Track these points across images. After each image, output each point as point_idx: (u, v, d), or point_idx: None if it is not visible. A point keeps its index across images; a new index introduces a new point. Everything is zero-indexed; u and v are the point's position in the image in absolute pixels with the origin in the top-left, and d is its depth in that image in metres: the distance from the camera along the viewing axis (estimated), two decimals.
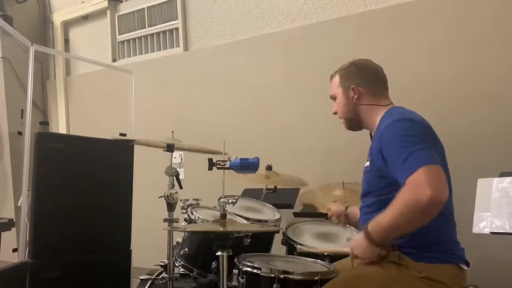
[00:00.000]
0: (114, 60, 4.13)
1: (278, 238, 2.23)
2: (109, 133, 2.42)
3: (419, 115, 1.68)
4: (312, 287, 1.58)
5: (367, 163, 1.74)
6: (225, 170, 1.70)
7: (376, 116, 1.76)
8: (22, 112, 4.00)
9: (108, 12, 4.13)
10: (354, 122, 1.86)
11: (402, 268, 1.56)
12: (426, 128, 1.61)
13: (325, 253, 1.93)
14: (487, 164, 2.31)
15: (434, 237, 1.58)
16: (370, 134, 1.86)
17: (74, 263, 2.30)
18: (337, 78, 1.87)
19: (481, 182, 1.41)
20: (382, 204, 1.57)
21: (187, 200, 2.27)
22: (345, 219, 2.07)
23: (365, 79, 1.80)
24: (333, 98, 1.90)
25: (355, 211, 2.00)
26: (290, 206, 2.65)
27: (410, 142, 1.51)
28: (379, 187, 1.66)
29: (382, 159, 1.60)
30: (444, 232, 1.62)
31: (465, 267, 1.61)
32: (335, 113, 1.90)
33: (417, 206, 1.39)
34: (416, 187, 1.41)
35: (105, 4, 4.09)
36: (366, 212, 1.74)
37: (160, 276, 2.17)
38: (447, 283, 1.54)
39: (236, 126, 3.30)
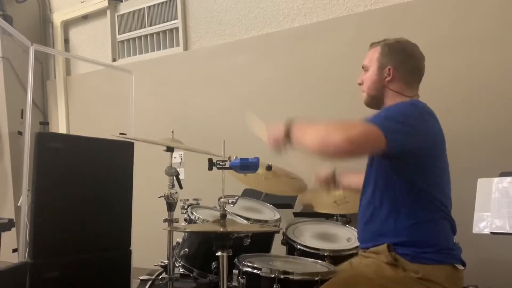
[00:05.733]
0: (114, 60, 4.13)
1: (278, 238, 2.23)
2: (109, 133, 2.41)
3: (427, 110, 1.67)
4: (312, 287, 1.59)
5: None
6: (225, 170, 1.70)
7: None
8: (22, 112, 4.00)
9: (108, 11, 4.13)
10: (376, 101, 1.78)
11: (399, 269, 1.56)
12: (418, 118, 1.59)
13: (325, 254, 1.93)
14: (487, 164, 2.31)
15: (429, 238, 1.58)
16: None
17: (74, 263, 2.30)
18: (377, 51, 1.77)
19: (481, 182, 1.42)
20: (382, 195, 1.61)
21: (187, 200, 2.27)
22: (334, 183, 2.05)
23: (405, 65, 1.73)
24: (365, 69, 1.81)
25: (345, 175, 2.01)
26: (290, 206, 2.65)
27: (395, 115, 1.55)
28: (380, 176, 1.65)
29: None
30: (440, 233, 1.61)
31: (461, 267, 1.60)
32: (360, 84, 1.82)
33: (328, 139, 1.45)
34: (349, 127, 1.46)
35: (105, 3, 4.09)
36: (366, 199, 1.73)
37: (160, 277, 2.17)
38: (443, 284, 1.53)
39: (236, 126, 3.28)
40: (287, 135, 1.59)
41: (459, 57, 2.51)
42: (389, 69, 1.72)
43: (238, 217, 2.18)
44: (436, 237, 1.59)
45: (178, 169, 2.17)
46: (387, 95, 1.74)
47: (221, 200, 1.70)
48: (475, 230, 1.37)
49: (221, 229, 1.60)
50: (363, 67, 1.82)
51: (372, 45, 1.82)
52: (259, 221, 2.22)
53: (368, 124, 1.48)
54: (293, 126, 1.59)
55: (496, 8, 2.42)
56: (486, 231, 1.34)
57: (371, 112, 1.75)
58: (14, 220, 2.85)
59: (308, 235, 2.18)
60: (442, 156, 1.67)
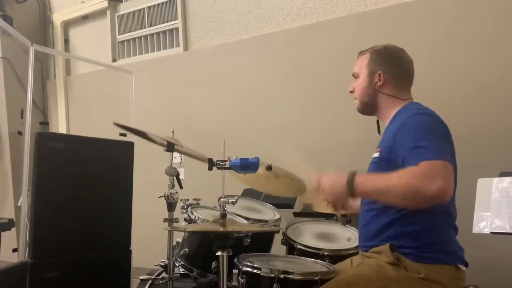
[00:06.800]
0: (114, 60, 4.13)
1: (278, 238, 2.23)
2: (109, 133, 2.42)
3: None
4: (312, 287, 1.59)
5: (376, 154, 1.69)
6: (225, 170, 1.70)
7: (393, 109, 1.72)
8: (22, 112, 3.99)
9: (108, 12, 4.13)
10: (369, 107, 1.80)
11: (401, 269, 1.56)
12: (444, 127, 1.60)
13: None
14: (487, 164, 2.30)
15: (433, 238, 1.58)
16: (378, 123, 1.83)
17: (74, 263, 2.29)
18: (366, 58, 1.79)
19: (481, 182, 1.42)
20: None
21: (187, 200, 2.27)
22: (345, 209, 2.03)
23: (395, 69, 1.74)
24: (355, 76, 1.82)
25: (356, 201, 2.00)
26: (290, 206, 2.65)
27: (433, 135, 1.51)
28: None
29: (392, 152, 1.58)
30: (444, 233, 1.62)
31: (464, 268, 1.60)
32: (352, 91, 1.83)
33: (423, 193, 1.36)
34: (430, 174, 1.37)
35: (105, 4, 4.09)
36: (367, 203, 1.72)
37: (160, 276, 2.17)
38: (445, 284, 1.53)
39: (236, 126, 3.30)
40: (350, 189, 1.49)
41: (458, 57, 2.51)
42: (379, 74, 1.74)
43: (238, 217, 2.18)
44: (439, 238, 1.59)
45: (178, 169, 2.16)
46: (381, 100, 1.75)
47: (221, 200, 1.70)
48: (475, 230, 1.37)
49: (221, 229, 1.60)
50: (353, 75, 1.84)
51: (361, 53, 1.84)
52: (259, 221, 2.22)
53: (438, 163, 1.41)
54: (356, 179, 1.49)
55: (496, 8, 2.42)
56: (486, 230, 1.34)
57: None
58: (14, 220, 2.85)
59: (308, 235, 2.18)
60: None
